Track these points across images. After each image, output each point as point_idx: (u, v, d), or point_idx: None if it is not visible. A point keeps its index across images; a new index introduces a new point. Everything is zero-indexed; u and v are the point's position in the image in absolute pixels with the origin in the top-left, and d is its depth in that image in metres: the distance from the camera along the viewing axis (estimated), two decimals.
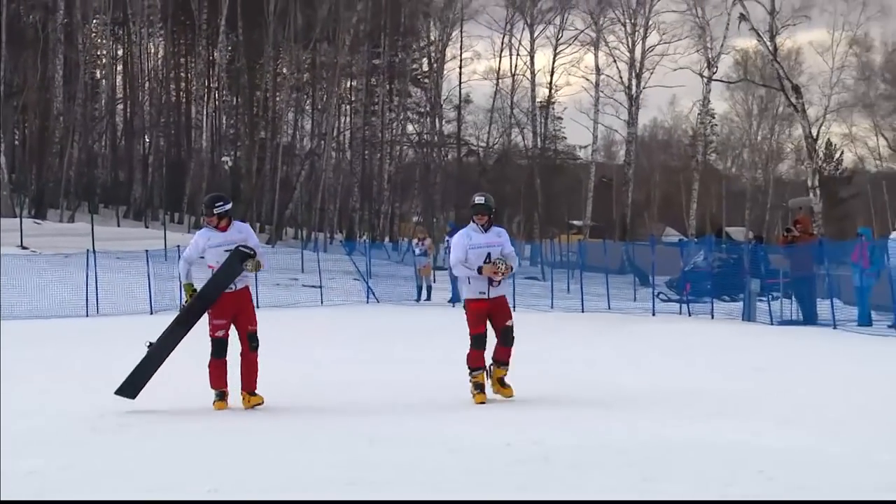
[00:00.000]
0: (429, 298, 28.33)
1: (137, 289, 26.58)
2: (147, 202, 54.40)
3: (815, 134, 51.99)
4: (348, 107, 61.99)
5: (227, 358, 10.15)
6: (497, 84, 60.23)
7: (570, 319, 23.27)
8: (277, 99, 58.30)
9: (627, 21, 56.88)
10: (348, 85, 60.78)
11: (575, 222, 60.32)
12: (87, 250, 27.88)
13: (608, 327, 21.19)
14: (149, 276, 26.32)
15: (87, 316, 24.69)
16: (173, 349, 10.12)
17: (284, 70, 59.05)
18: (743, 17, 48.06)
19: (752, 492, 6.69)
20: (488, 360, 10.64)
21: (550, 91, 60.08)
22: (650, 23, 56.52)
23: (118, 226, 48.35)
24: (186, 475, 7.16)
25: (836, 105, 59.07)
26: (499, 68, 60.34)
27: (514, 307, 25.66)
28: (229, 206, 10.35)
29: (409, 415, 9.86)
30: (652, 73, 57.09)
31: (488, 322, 10.60)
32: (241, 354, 10.11)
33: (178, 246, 29.30)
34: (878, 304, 20.38)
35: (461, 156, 62.32)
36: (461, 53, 60.68)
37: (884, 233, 45.52)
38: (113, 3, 54.51)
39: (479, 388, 10.44)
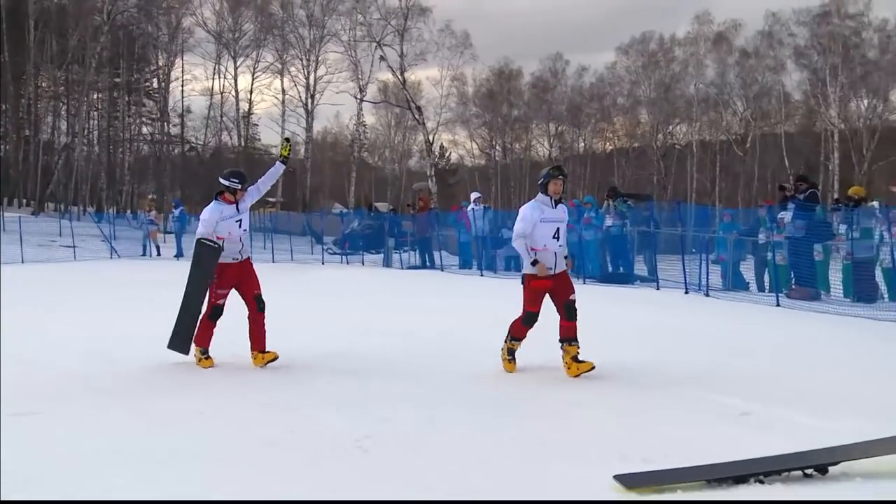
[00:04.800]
0: (158, 254, 26.91)
1: None
2: None
3: (431, 140, 53.62)
4: (96, 112, 57.62)
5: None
6: (211, 99, 57.92)
7: (264, 269, 22.82)
8: (38, 106, 53.53)
9: (304, 57, 56.28)
10: (95, 97, 56.56)
11: (270, 199, 58.98)
12: None
13: (291, 273, 21.01)
14: None
15: None
16: (203, 301, 7.83)
17: (44, 84, 54.22)
18: (382, 58, 49.02)
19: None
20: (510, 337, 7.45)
21: (250, 105, 58.46)
22: (320, 59, 56.23)
23: None
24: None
25: (445, 120, 60.76)
26: (212, 87, 57.91)
27: None
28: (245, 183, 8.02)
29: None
30: (322, 95, 56.90)
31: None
32: (249, 317, 7.86)
33: None
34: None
35: (184, 151, 59.84)
36: (182, 76, 57.88)
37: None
38: None
39: (511, 354, 7.34)
